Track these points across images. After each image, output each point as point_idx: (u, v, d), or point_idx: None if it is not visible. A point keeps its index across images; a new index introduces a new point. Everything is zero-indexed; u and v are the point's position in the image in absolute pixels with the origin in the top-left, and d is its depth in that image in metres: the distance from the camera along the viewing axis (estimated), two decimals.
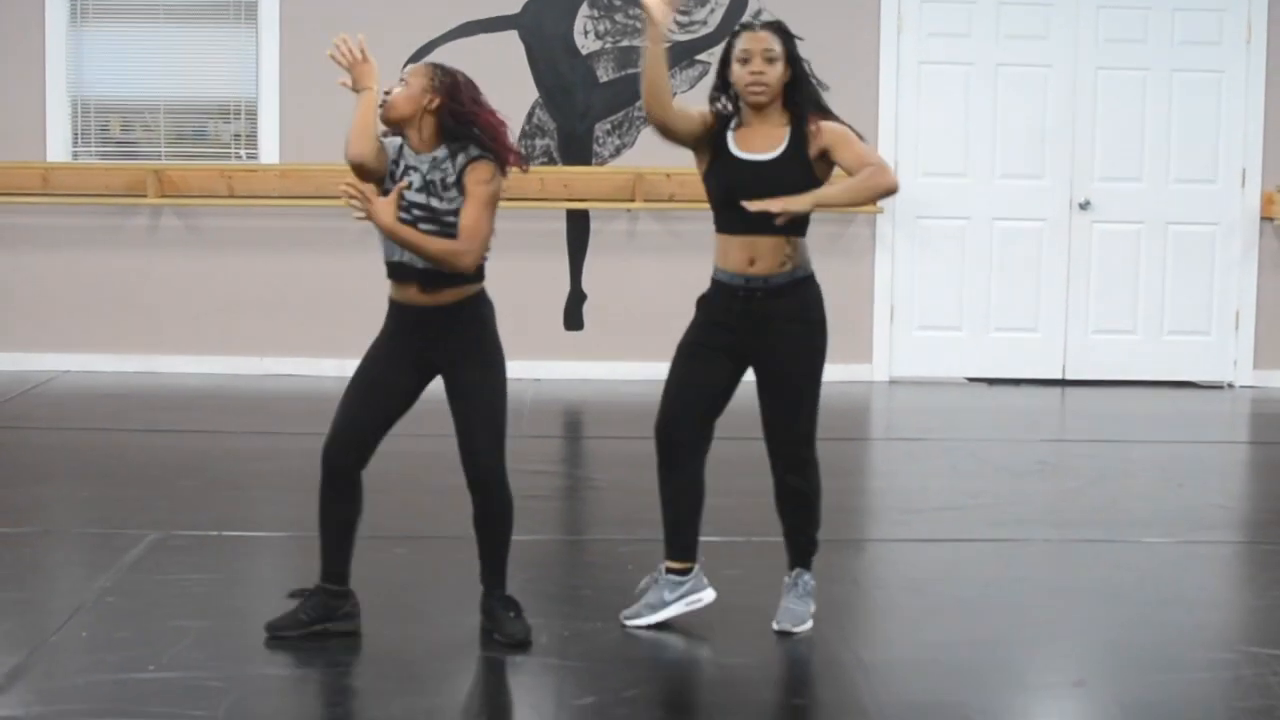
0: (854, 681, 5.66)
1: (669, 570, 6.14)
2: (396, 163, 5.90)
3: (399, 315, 5.99)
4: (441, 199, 5.82)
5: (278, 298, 12.08)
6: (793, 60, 6.04)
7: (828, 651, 5.94)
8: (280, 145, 12.01)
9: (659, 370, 11.87)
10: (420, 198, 5.82)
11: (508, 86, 11.88)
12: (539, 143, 12.03)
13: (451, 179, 5.83)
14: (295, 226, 12.02)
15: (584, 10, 12.01)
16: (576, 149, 12.10)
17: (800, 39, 6.12)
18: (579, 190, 12.03)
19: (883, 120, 12.08)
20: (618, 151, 12.10)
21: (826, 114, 6.09)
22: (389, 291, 5.98)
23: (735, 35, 6.07)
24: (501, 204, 11.76)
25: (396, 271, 5.91)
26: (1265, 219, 12.45)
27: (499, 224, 5.92)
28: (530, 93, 12.01)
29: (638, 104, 11.96)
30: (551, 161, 12.03)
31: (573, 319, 12.11)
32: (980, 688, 5.68)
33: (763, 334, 6.01)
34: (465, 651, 5.88)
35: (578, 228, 12.12)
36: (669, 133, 6.03)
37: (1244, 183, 12.44)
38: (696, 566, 6.17)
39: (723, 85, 6.11)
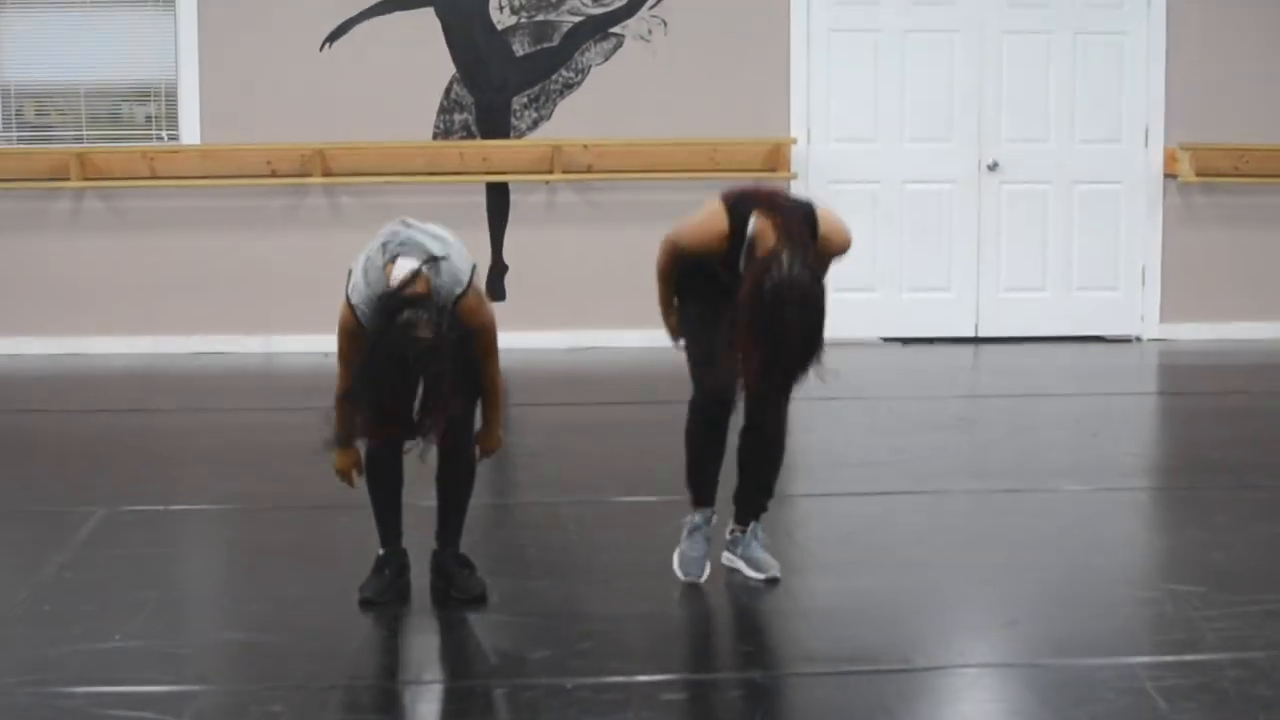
0: (797, 629, 5.89)
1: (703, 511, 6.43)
2: None
3: None
4: None
5: (202, 277, 12.16)
6: None
7: (770, 601, 6.16)
8: (201, 126, 12.09)
9: (580, 338, 12.21)
10: None
11: (425, 62, 12.09)
12: (457, 118, 12.18)
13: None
14: (218, 206, 12.12)
15: None
16: (494, 123, 12.25)
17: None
18: (498, 164, 12.18)
19: (794, 87, 12.30)
20: (535, 124, 12.26)
21: None
22: None
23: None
24: (420, 178, 11.93)
25: None
26: (1168, 176, 12.73)
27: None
28: (447, 68, 12.14)
29: (554, 77, 12.16)
30: (470, 135, 12.18)
31: (495, 289, 12.26)
32: (917, 631, 5.90)
33: None
34: (419, 611, 6.07)
35: (498, 200, 12.27)
36: None
37: (1147, 142, 12.73)
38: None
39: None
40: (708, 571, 6.32)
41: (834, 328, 12.61)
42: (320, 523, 7.29)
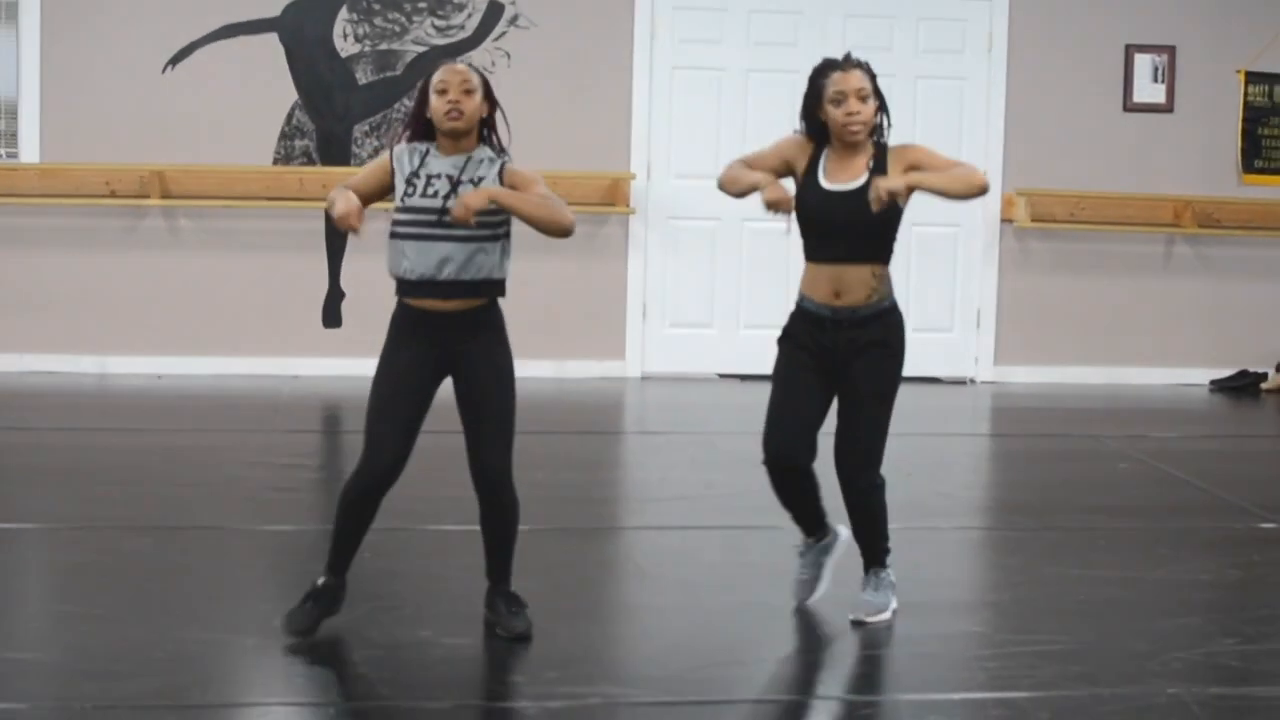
0: (567, 656, 5.93)
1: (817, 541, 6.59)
2: (416, 174, 6.00)
3: (414, 320, 6.05)
4: None
5: (38, 296, 12.09)
6: (879, 94, 6.24)
7: (544, 634, 6.19)
8: (41, 144, 12.03)
9: None
10: (443, 203, 5.90)
11: (267, 88, 12.09)
12: (298, 144, 12.19)
13: (493, 181, 5.92)
14: (55, 225, 12.06)
15: (343, 14, 12.18)
16: (336, 150, 12.27)
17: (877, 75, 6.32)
18: None
19: (636, 123, 12.41)
20: (376, 152, 12.23)
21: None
22: (400, 296, 6.09)
23: (822, 76, 6.19)
24: (259, 203, 11.88)
25: (415, 289, 6.03)
26: (1005, 221, 12.93)
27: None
28: (290, 94, 12.16)
29: (396, 105, 12.17)
30: (310, 162, 12.19)
31: (331, 316, 12.28)
32: (698, 662, 5.95)
33: (845, 360, 6.22)
34: (201, 631, 6.05)
35: (336, 227, 12.21)
36: None
37: None
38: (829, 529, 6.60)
39: (810, 123, 6.29)
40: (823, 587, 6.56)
41: (671, 362, 12.77)
42: (118, 543, 7.29)
